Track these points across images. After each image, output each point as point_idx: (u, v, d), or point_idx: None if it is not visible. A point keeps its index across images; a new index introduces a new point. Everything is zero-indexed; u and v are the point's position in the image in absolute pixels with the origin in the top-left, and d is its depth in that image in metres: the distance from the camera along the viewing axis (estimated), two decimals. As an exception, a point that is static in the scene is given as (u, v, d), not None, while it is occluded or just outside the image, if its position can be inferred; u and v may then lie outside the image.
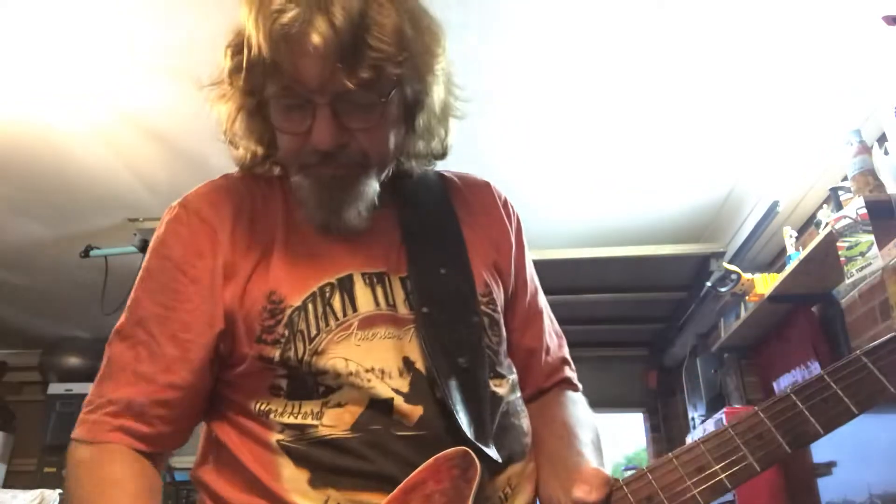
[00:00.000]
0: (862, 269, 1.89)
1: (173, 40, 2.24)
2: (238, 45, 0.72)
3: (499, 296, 0.82)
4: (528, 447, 0.79)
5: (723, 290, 2.88)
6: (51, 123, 2.64)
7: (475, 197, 0.89)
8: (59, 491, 3.44)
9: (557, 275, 3.63)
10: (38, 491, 3.37)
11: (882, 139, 2.13)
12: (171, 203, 0.80)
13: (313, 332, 0.71)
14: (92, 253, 3.31)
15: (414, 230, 0.80)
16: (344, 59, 0.66)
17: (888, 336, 0.65)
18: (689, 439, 3.33)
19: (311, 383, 0.70)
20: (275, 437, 0.69)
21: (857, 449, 1.75)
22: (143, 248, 3.04)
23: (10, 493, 3.39)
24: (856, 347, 2.39)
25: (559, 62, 2.31)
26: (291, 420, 0.69)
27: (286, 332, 0.70)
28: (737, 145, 2.72)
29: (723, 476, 0.62)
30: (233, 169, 0.83)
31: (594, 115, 2.58)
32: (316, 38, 0.64)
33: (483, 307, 0.78)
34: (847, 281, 2.00)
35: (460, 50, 2.43)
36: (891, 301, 1.95)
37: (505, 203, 0.91)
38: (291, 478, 0.67)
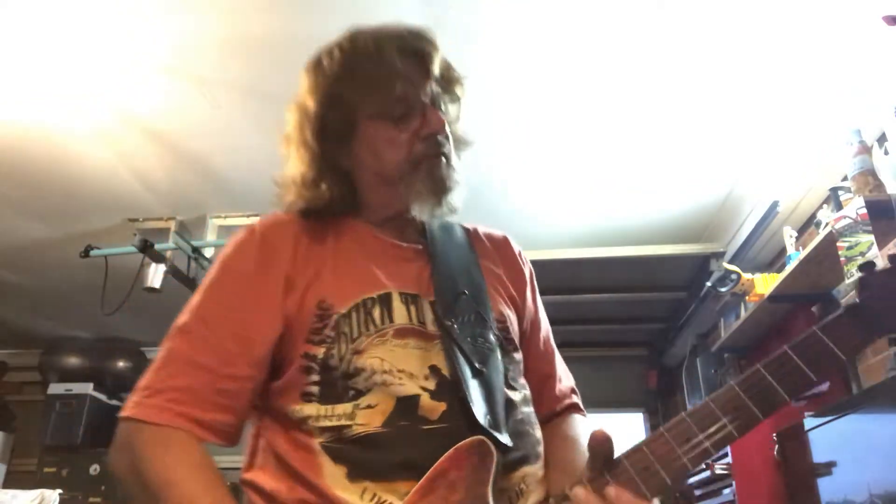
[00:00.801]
0: (862, 269, 1.88)
1: (173, 40, 2.24)
2: (338, 89, 0.91)
3: (513, 323, 0.95)
4: (541, 455, 0.87)
5: (723, 290, 2.88)
6: (51, 124, 2.64)
7: (494, 245, 1.04)
8: (59, 491, 3.44)
9: (557, 275, 3.63)
10: (38, 491, 3.37)
11: (882, 139, 2.14)
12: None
13: (355, 334, 0.81)
14: (92, 253, 3.31)
15: (441, 264, 0.92)
16: (437, 74, 0.93)
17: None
18: (689, 439, 3.33)
19: (342, 387, 0.79)
20: (317, 441, 0.77)
21: (857, 449, 1.75)
22: (142, 247, 3.04)
23: (10, 493, 3.39)
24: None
25: (559, 62, 2.31)
26: (328, 423, 0.78)
27: (332, 334, 0.81)
28: (737, 145, 2.72)
29: (707, 444, 0.71)
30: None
31: (594, 116, 2.58)
32: (425, 58, 0.91)
33: (497, 331, 0.91)
34: (847, 281, 2.00)
35: (460, 50, 2.41)
36: (891, 301, 1.94)
37: (520, 253, 1.06)
38: (331, 474, 0.75)
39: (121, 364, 4.91)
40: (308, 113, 0.92)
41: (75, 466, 4.42)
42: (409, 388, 0.79)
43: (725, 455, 2.55)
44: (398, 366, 0.80)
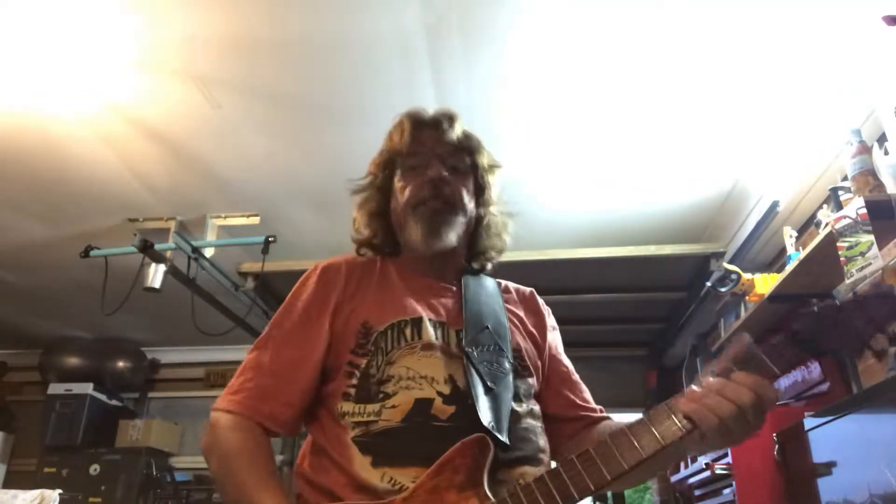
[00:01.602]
0: (862, 269, 1.89)
1: (174, 40, 2.24)
2: (381, 151, 1.20)
3: (529, 354, 1.13)
4: (542, 461, 1.03)
5: (723, 290, 2.88)
6: (51, 124, 2.64)
7: (520, 296, 1.25)
8: (59, 491, 3.44)
9: (557, 275, 3.64)
10: (38, 491, 3.37)
11: (882, 139, 2.13)
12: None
13: (389, 347, 1.02)
14: (92, 253, 3.30)
15: (471, 302, 1.13)
16: (451, 140, 1.16)
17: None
18: (689, 439, 3.33)
19: (374, 391, 0.99)
20: (349, 436, 0.97)
21: (857, 449, 1.75)
22: (143, 248, 3.04)
23: (10, 493, 3.39)
24: (856, 347, 2.39)
25: (559, 62, 2.31)
26: (360, 419, 0.97)
27: (372, 348, 1.02)
28: (737, 145, 2.72)
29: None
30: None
31: (595, 116, 2.58)
32: (439, 128, 1.16)
33: (513, 359, 1.09)
34: (847, 281, 2.00)
35: (459, 51, 2.41)
36: (891, 301, 1.94)
37: (544, 305, 1.26)
38: (360, 463, 0.94)
39: (121, 364, 4.92)
40: (370, 174, 1.22)
41: (75, 466, 4.43)
42: (427, 392, 0.98)
43: (725, 455, 2.55)
44: (421, 372, 0.99)
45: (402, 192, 1.15)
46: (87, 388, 4.70)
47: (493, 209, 1.21)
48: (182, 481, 4.59)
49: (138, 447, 4.53)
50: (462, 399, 0.98)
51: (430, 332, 1.04)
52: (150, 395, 5.23)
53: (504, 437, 0.95)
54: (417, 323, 1.05)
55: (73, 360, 4.81)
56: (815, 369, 2.61)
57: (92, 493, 4.31)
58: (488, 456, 0.89)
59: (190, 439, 5.00)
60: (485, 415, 0.95)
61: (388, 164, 1.19)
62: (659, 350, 4.60)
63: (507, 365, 1.06)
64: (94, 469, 4.42)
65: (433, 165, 1.13)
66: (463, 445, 0.89)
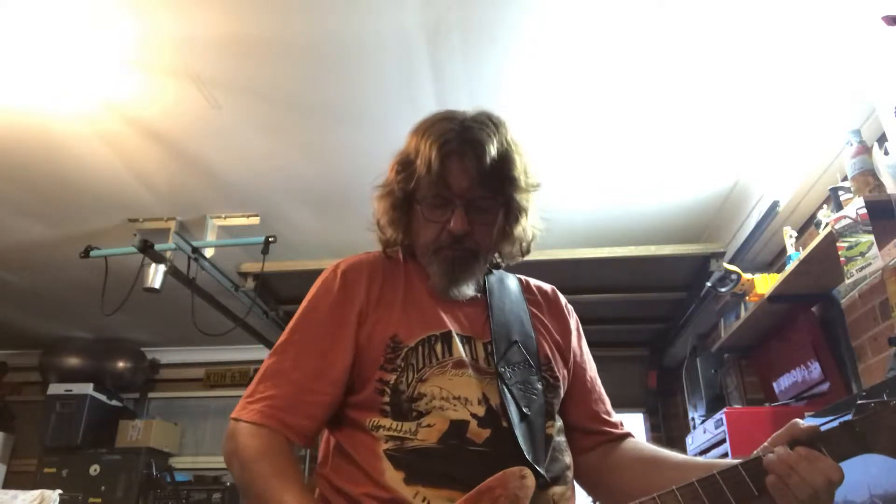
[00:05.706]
0: (862, 269, 1.89)
1: (174, 39, 2.24)
2: (406, 162, 1.08)
3: (557, 365, 1.11)
4: (569, 478, 1.03)
5: (723, 290, 2.88)
6: (51, 124, 2.64)
7: (543, 296, 1.21)
8: (59, 491, 3.44)
9: (557, 275, 3.62)
10: (38, 491, 3.37)
11: (882, 139, 2.13)
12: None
13: (420, 365, 1.00)
14: (92, 253, 3.30)
15: (497, 312, 1.10)
16: (480, 179, 1.04)
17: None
18: (689, 439, 3.33)
19: (407, 408, 0.97)
20: (381, 447, 0.95)
21: (857, 449, 1.75)
22: (143, 248, 3.04)
23: (10, 493, 3.39)
24: (856, 347, 2.39)
25: (558, 62, 2.31)
26: (395, 434, 0.96)
27: (402, 364, 1.00)
28: (737, 146, 2.72)
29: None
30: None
31: (594, 116, 2.58)
32: (468, 164, 1.03)
33: (543, 373, 1.07)
34: (847, 281, 2.00)
35: (460, 50, 2.41)
36: (891, 301, 1.95)
37: (566, 304, 1.23)
38: (392, 477, 0.92)
39: (121, 364, 4.92)
40: (390, 175, 1.12)
41: (75, 466, 4.43)
42: (461, 413, 0.96)
43: (725, 455, 2.55)
44: (454, 393, 0.98)
45: (424, 227, 1.08)
46: (87, 388, 4.70)
47: (524, 222, 1.12)
48: (182, 481, 4.59)
49: (138, 447, 4.53)
50: (496, 421, 0.97)
51: (460, 347, 1.02)
52: (150, 395, 5.24)
53: (543, 471, 0.95)
54: (447, 338, 1.02)
55: (73, 361, 4.81)
56: (815, 369, 2.61)
57: (92, 494, 4.31)
58: (531, 492, 0.86)
59: (190, 439, 5.01)
60: (524, 445, 0.95)
61: (409, 178, 1.07)
62: (659, 350, 4.60)
63: (538, 385, 1.04)
64: (94, 469, 4.42)
65: (457, 215, 1.03)
66: (504, 475, 0.86)
